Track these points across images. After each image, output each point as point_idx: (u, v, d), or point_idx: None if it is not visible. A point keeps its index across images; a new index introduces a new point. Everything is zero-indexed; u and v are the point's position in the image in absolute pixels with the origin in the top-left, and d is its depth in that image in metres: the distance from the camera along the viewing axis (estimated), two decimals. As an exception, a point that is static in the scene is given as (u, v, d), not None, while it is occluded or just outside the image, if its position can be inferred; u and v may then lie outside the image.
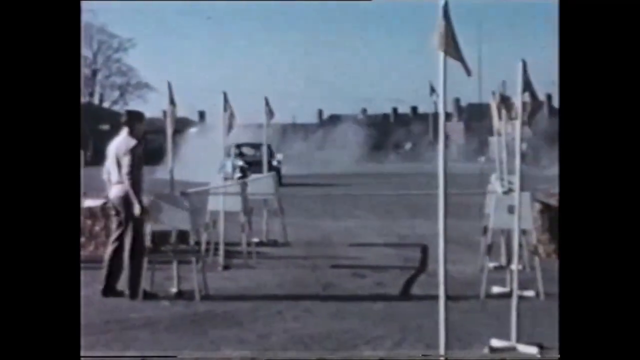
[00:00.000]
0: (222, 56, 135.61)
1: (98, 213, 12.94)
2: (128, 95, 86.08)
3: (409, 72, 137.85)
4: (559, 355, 6.72)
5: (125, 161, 9.42)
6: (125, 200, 9.48)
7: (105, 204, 12.64)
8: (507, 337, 7.30)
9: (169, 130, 10.36)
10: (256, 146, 35.96)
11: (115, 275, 9.64)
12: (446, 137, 6.65)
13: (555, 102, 76.38)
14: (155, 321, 8.47)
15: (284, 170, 36.78)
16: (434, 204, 6.51)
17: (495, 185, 10.53)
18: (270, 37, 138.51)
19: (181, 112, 11.21)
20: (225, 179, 13.37)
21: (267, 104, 15.45)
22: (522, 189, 7.63)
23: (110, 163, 9.65)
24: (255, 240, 13.32)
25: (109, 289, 9.60)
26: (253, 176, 16.61)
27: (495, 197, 9.58)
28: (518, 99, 7.23)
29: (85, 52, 76.10)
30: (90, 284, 9.59)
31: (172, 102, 10.30)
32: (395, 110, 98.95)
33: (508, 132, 9.65)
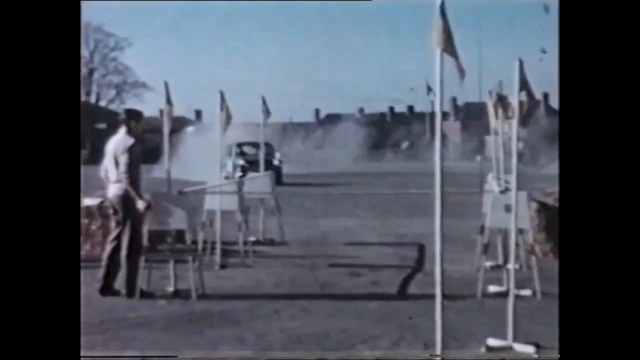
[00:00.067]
0: (219, 55, 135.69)
1: (95, 212, 12.92)
2: (124, 94, 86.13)
3: (406, 71, 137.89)
4: (555, 355, 6.75)
5: (123, 160, 9.41)
6: (124, 199, 9.48)
7: (102, 203, 12.63)
8: (503, 336, 7.31)
9: (166, 130, 10.34)
10: (257, 145, 35.79)
11: (113, 275, 9.63)
12: (443, 136, 6.66)
13: (552, 102, 76.50)
14: (152, 320, 8.47)
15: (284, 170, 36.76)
16: (431, 203, 6.51)
17: (492, 184, 10.54)
18: (266, 37, 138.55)
19: (178, 111, 11.19)
20: (226, 177, 13.38)
21: (263, 103, 15.45)
22: (518, 188, 7.64)
23: (108, 162, 9.65)
24: (252, 239, 13.32)
25: (107, 288, 9.60)
26: (250, 175, 16.62)
27: (492, 196, 9.59)
28: (515, 98, 7.24)
29: (82, 51, 76.04)
30: (87, 283, 9.56)
31: (168, 101, 10.28)
32: (392, 109, 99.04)
33: (505, 132, 9.65)
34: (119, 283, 9.59)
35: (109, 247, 9.71)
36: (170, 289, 9.80)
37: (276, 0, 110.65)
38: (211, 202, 12.30)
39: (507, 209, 8.22)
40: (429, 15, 6.13)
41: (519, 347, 7.20)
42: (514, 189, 7.59)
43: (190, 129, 51.83)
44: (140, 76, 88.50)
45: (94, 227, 12.89)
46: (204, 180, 13.24)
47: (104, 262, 9.67)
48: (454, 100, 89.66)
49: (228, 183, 13.10)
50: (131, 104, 76.16)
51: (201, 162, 20.66)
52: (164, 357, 7.14)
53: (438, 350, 6.47)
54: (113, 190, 9.59)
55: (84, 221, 12.82)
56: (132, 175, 9.43)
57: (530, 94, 7.14)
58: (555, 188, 12.88)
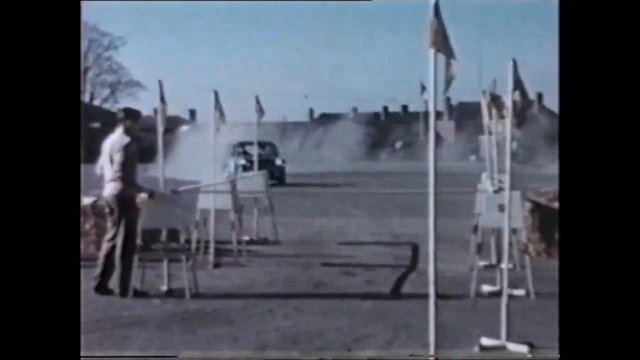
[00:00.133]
0: (214, 54, 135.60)
1: (88, 211, 12.90)
2: (119, 94, 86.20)
3: (400, 70, 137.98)
4: (549, 354, 6.77)
5: (117, 158, 9.42)
6: (119, 198, 9.48)
7: (95, 202, 12.62)
8: (497, 335, 7.31)
9: (160, 129, 10.34)
10: (261, 145, 35.66)
11: (109, 273, 9.62)
12: (437, 135, 6.66)
13: (546, 102, 76.61)
14: (146, 319, 8.46)
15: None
16: (425, 202, 6.51)
17: (485, 184, 10.54)
18: (261, 36, 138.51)
19: (172, 111, 11.19)
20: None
21: (257, 102, 15.46)
22: (512, 187, 7.65)
23: (104, 160, 9.65)
24: (246, 238, 13.32)
25: (102, 287, 9.59)
26: (241, 174, 16.62)
27: (486, 195, 9.60)
28: (508, 97, 7.24)
29: (78, 50, 75.96)
30: (82, 281, 9.55)
31: (162, 100, 10.29)
32: (386, 108, 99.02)
33: (498, 131, 9.66)
34: (113, 282, 9.58)
35: (105, 246, 9.70)
36: (164, 288, 9.80)
37: (272, 0, 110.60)
38: (205, 201, 12.29)
39: (501, 208, 8.22)
40: (422, 14, 6.13)
41: (513, 347, 7.21)
42: (508, 188, 7.60)
43: (184, 128, 51.83)
44: (135, 75, 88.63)
45: (87, 226, 12.87)
46: (198, 180, 13.23)
47: (100, 261, 9.66)
48: (448, 99, 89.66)
49: (221, 182, 13.08)
50: (125, 103, 76.16)
51: (195, 162, 20.66)
52: (164, 357, 7.13)
53: (431, 350, 6.47)
54: (109, 189, 9.59)
55: (77, 220, 12.81)
56: (127, 174, 9.43)
57: (524, 94, 7.15)
58: (548, 187, 12.91)
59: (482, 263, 10.21)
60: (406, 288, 10.30)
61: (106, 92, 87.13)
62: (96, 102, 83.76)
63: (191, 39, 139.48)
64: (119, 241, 9.48)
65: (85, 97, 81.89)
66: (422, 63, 6.29)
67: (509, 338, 7.28)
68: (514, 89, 7.11)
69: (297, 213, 19.76)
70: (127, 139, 9.54)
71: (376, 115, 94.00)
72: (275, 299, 9.44)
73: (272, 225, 14.59)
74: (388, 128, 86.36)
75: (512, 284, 8.25)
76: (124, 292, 9.43)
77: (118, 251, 9.48)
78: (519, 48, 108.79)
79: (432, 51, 6.16)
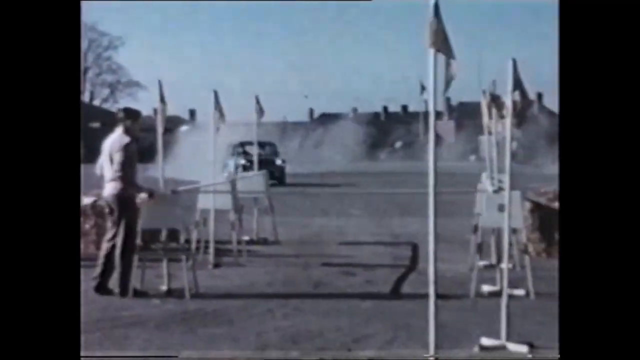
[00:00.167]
0: (214, 55, 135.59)
1: (88, 211, 12.90)
2: (118, 94, 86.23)
3: (400, 70, 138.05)
4: (549, 354, 6.77)
5: (117, 158, 9.42)
6: (118, 198, 9.48)
7: (95, 201, 12.62)
8: (497, 335, 7.31)
9: (160, 129, 10.34)
10: (261, 144, 35.54)
11: (109, 273, 9.62)
12: (436, 135, 6.66)
13: (546, 101, 76.60)
14: (145, 319, 8.46)
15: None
16: (425, 202, 6.51)
17: (485, 184, 10.54)
18: (261, 36, 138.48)
19: (172, 111, 11.19)
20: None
21: (257, 102, 15.47)
22: (512, 187, 7.65)
23: (104, 160, 9.65)
24: (246, 238, 13.31)
25: (102, 287, 9.58)
26: (241, 174, 16.63)
27: (486, 195, 9.59)
28: (508, 97, 7.24)
29: (77, 49, 75.98)
30: (81, 281, 9.55)
31: (162, 100, 10.29)
32: (385, 108, 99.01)
33: (498, 131, 9.66)
34: (113, 282, 9.58)
35: (105, 246, 9.69)
36: (164, 288, 9.79)
37: (272, 0, 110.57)
38: (205, 201, 12.29)
39: (501, 208, 8.22)
40: (422, 14, 6.13)
41: (513, 347, 7.21)
42: (508, 188, 7.60)
43: (184, 128, 51.83)
44: (134, 75, 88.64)
45: (87, 226, 12.87)
46: (198, 180, 13.23)
47: (100, 261, 9.66)
48: (448, 99, 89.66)
49: (221, 182, 13.08)
50: (125, 103, 76.13)
51: (195, 162, 20.67)
52: (164, 356, 7.13)
53: (431, 350, 6.47)
54: (108, 189, 9.59)
55: (77, 220, 12.81)
56: (127, 173, 9.43)
57: (523, 94, 7.14)
58: (548, 187, 12.91)
59: (482, 263, 10.20)
60: (406, 288, 10.30)
61: (106, 92, 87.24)
62: (96, 102, 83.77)
63: (191, 38, 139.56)
64: (119, 241, 9.47)
65: (85, 97, 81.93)
66: (422, 63, 6.29)
67: (509, 338, 7.28)
68: (514, 89, 7.11)
69: (296, 213, 19.75)
70: (126, 139, 9.54)
71: (376, 115, 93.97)
72: (275, 299, 9.44)
73: (272, 225, 14.60)
74: (388, 128, 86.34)
75: (512, 284, 8.25)
76: (123, 292, 9.43)
77: (118, 251, 9.47)
78: (518, 48, 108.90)
79: (432, 51, 6.16)
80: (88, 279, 9.57)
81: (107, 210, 9.89)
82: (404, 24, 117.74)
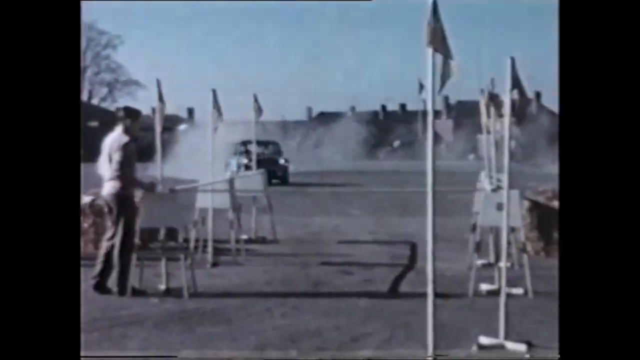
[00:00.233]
0: (213, 53, 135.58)
1: (86, 210, 12.89)
2: (117, 92, 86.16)
3: (398, 69, 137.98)
4: (547, 353, 6.78)
5: (116, 157, 9.42)
6: (117, 197, 9.48)
7: (94, 200, 12.61)
8: (495, 334, 7.31)
9: (158, 128, 10.34)
10: (264, 143, 35.57)
11: (108, 272, 9.62)
12: (435, 134, 6.65)
13: (544, 100, 76.63)
14: (144, 318, 8.45)
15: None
16: (423, 201, 6.50)
17: (484, 182, 10.54)
18: (260, 36, 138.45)
19: (170, 109, 11.18)
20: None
21: (255, 100, 15.48)
22: (510, 186, 7.65)
23: (103, 159, 9.64)
24: (244, 237, 13.31)
25: (101, 286, 9.58)
26: (240, 173, 16.65)
27: (484, 194, 9.59)
28: (507, 96, 7.24)
29: (76, 49, 75.91)
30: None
31: (161, 99, 10.28)
32: (384, 107, 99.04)
33: (497, 130, 9.66)
34: (111, 281, 9.58)
35: (105, 245, 9.69)
36: (162, 287, 9.79)
37: (272, 0, 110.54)
38: (203, 200, 12.29)
39: (499, 207, 8.22)
40: (423, 14, 6.13)
41: (511, 346, 7.20)
42: (506, 187, 7.59)
43: (182, 127, 51.83)
44: (133, 74, 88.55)
45: (85, 225, 12.85)
46: (197, 179, 13.23)
47: (100, 260, 9.65)
48: (446, 98, 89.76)
49: (219, 181, 13.08)
50: (123, 102, 76.03)
51: (194, 161, 20.69)
52: (164, 356, 7.12)
53: (430, 349, 6.47)
54: (107, 188, 9.59)
55: (76, 219, 12.78)
56: (125, 173, 9.42)
57: (522, 93, 7.14)
58: (547, 186, 12.92)
59: (480, 262, 10.20)
60: (404, 287, 10.30)
61: (104, 90, 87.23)
62: (94, 101, 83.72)
63: (189, 37, 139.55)
64: (117, 240, 9.47)
65: (83, 96, 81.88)
66: (420, 62, 6.29)
67: (507, 337, 7.28)
68: (512, 88, 7.10)
69: (295, 212, 19.75)
70: (125, 138, 9.53)
71: (374, 114, 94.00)
72: (273, 298, 9.44)
73: (271, 224, 14.59)
74: (386, 127, 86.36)
75: (511, 283, 8.25)
76: (122, 291, 9.43)
77: (116, 250, 9.47)
78: (517, 47, 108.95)
79: (430, 50, 6.16)
80: (86, 278, 9.57)
81: (106, 209, 9.88)
82: (403, 23, 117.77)
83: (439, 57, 6.16)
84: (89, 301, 9.09)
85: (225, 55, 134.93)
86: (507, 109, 7.28)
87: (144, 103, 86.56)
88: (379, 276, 10.97)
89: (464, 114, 76.08)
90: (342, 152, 62.82)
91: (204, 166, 12.76)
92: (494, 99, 9.22)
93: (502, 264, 7.79)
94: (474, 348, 7.19)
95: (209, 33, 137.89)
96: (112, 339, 7.64)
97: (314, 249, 13.55)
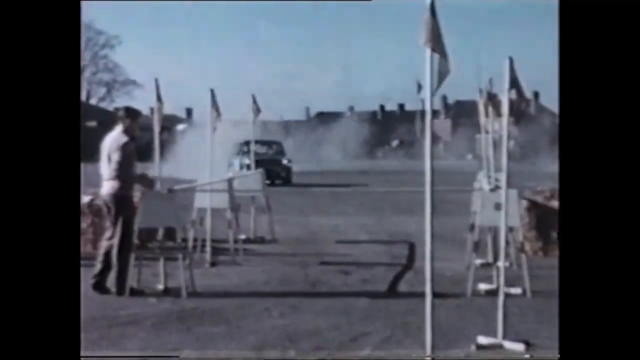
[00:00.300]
0: (211, 53, 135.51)
1: (85, 210, 12.87)
2: (115, 92, 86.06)
3: (396, 69, 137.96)
4: (545, 352, 6.78)
5: (115, 157, 9.42)
6: (116, 197, 9.48)
7: (92, 200, 12.60)
8: (493, 334, 7.32)
9: (156, 127, 10.34)
10: (267, 143, 35.49)
11: (107, 272, 9.62)
12: (433, 134, 6.66)
13: (542, 100, 76.66)
14: (142, 318, 8.45)
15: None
16: (422, 201, 6.51)
17: (482, 182, 10.55)
18: (258, 35, 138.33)
19: (169, 109, 11.19)
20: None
21: (254, 101, 15.48)
22: (509, 186, 7.65)
23: (102, 159, 9.65)
24: (243, 237, 13.31)
25: (100, 285, 9.58)
26: (241, 172, 16.65)
27: (482, 194, 9.60)
28: (505, 96, 7.24)
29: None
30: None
31: (159, 99, 10.28)
32: (382, 107, 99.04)
33: (495, 130, 9.66)
34: (109, 281, 9.58)
35: (104, 245, 9.68)
36: (161, 286, 9.79)
37: (271, 0, 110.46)
38: (201, 200, 12.29)
39: (497, 207, 8.22)
40: (419, 12, 6.13)
41: (509, 345, 7.21)
42: (504, 186, 7.60)
43: (181, 126, 51.82)
44: (131, 74, 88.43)
45: (84, 224, 12.84)
46: (195, 178, 13.23)
47: (99, 259, 9.65)
48: (445, 98, 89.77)
49: (218, 181, 13.08)
50: (121, 101, 76.02)
51: (192, 160, 20.69)
52: (162, 356, 7.13)
53: (428, 348, 6.47)
54: (106, 188, 9.59)
55: (74, 219, 12.76)
56: (124, 173, 9.42)
57: (520, 92, 7.15)
58: (545, 186, 12.93)
59: (478, 261, 10.21)
60: (403, 286, 10.30)
61: (102, 90, 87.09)
62: (92, 101, 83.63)
63: (188, 37, 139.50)
64: (116, 240, 9.47)
65: (82, 96, 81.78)
66: (419, 62, 6.30)
67: (505, 336, 7.28)
68: (510, 88, 7.11)
69: (294, 212, 19.76)
70: (124, 138, 9.53)
71: (373, 113, 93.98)
72: (272, 298, 9.44)
73: (269, 224, 14.59)
74: (385, 127, 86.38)
75: (509, 283, 8.26)
76: (120, 291, 9.42)
77: (115, 250, 9.47)
78: (515, 47, 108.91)
79: (428, 50, 6.17)
80: (86, 277, 9.56)
81: (105, 209, 9.88)
82: (402, 23, 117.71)
83: (436, 57, 6.16)
84: (88, 301, 9.08)
85: (224, 55, 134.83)
86: (505, 108, 7.29)
87: (142, 103, 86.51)
88: (377, 276, 10.97)
89: (462, 114, 76.10)
90: (343, 152, 62.79)
91: (202, 166, 12.76)
92: (492, 99, 9.23)
93: (501, 263, 7.79)
94: (473, 347, 7.19)
95: (208, 33, 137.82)
96: (111, 339, 7.63)
97: (313, 249, 13.55)
